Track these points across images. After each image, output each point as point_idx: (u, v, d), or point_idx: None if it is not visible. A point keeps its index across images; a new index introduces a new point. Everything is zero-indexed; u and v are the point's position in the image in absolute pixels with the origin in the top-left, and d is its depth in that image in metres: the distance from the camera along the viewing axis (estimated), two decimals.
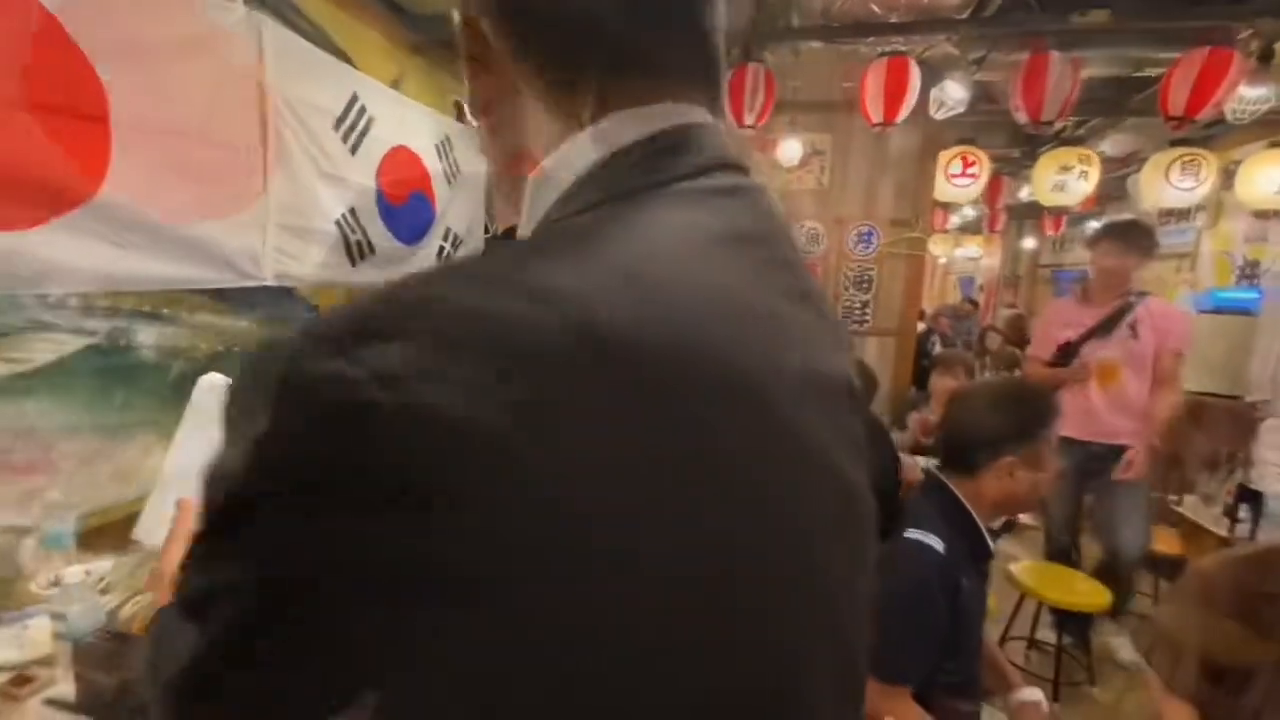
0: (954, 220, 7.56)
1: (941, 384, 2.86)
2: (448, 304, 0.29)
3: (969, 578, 1.19)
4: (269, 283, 2.25)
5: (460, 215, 3.39)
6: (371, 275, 2.78)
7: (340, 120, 2.51)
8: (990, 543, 1.23)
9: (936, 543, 1.16)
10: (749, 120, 2.69)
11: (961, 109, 2.58)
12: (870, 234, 3.89)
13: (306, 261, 2.41)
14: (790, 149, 3.10)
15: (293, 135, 2.28)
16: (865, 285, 3.93)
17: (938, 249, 9.34)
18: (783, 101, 3.13)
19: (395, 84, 2.90)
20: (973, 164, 3.75)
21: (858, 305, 3.95)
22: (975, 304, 8.29)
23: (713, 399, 0.32)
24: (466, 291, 0.30)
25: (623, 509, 0.30)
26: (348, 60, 2.57)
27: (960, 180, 3.80)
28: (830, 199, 3.94)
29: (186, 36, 1.84)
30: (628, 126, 0.36)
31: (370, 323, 0.28)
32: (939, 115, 2.62)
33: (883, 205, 3.89)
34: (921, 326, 8.61)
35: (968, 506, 1.22)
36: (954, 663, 1.20)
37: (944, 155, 3.81)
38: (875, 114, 2.53)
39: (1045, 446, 1.21)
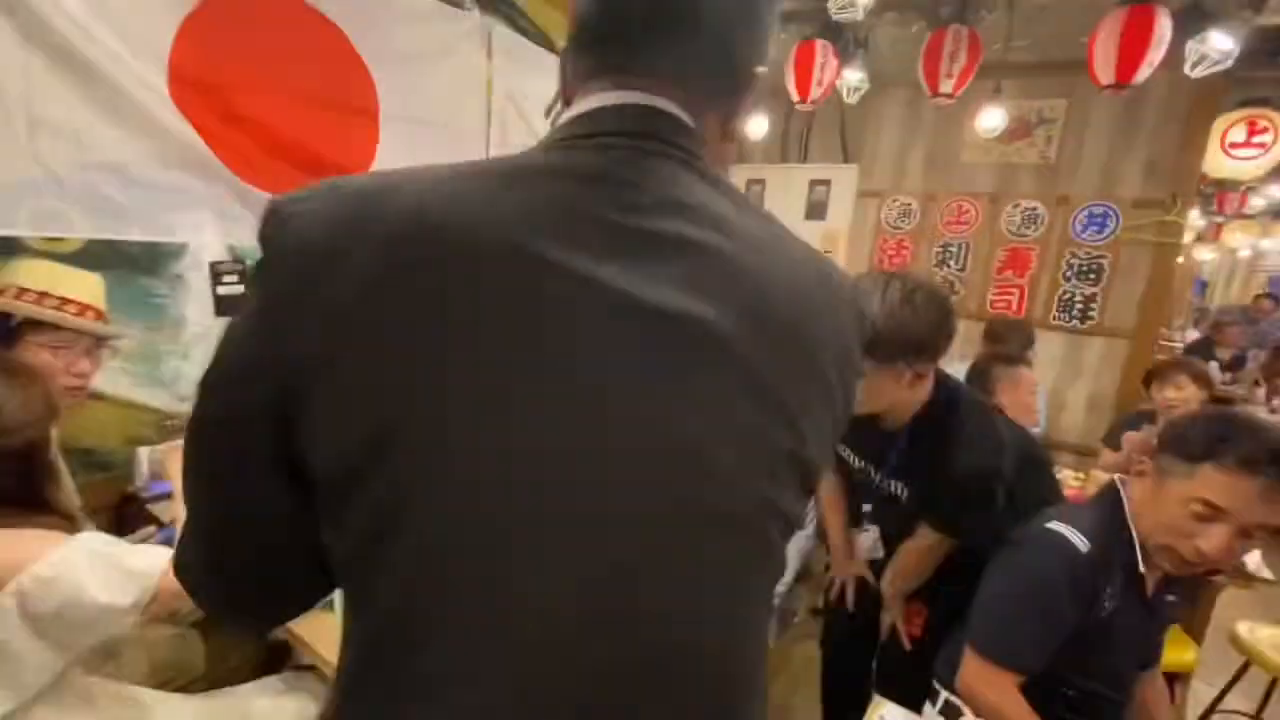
0: (1256, 203, 6.03)
1: (1162, 397, 2.40)
2: (342, 187, 0.43)
3: (1117, 593, 1.09)
4: None
5: None
6: None
7: (551, 109, 2.87)
8: (1140, 563, 1.09)
9: (1079, 541, 1.09)
10: (945, 88, 2.50)
11: (1229, 63, 2.10)
12: (1106, 216, 3.33)
13: None
14: (990, 118, 2.78)
15: (512, 124, 2.69)
16: (1093, 276, 3.38)
17: (1238, 239, 7.51)
18: (1003, 63, 2.83)
19: None
20: (1263, 130, 2.99)
21: (1080, 299, 3.42)
22: (1277, 300, 6.49)
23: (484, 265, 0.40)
24: (364, 182, 0.43)
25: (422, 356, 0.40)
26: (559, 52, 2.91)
27: (1244, 151, 3.06)
28: (1056, 175, 3.44)
29: (434, 42, 2.29)
30: (583, 102, 0.48)
31: (302, 190, 0.43)
32: (1195, 73, 2.16)
33: (1126, 183, 3.29)
34: (1194, 334, 7.03)
35: (1129, 521, 1.11)
36: (1080, 678, 1.11)
37: (1221, 120, 3.10)
38: (1104, 75, 2.18)
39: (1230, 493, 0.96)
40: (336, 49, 2.00)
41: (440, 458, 0.40)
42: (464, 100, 2.47)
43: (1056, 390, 3.54)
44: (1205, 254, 8.54)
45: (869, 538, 1.47)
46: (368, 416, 0.40)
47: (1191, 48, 2.14)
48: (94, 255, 1.61)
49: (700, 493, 0.43)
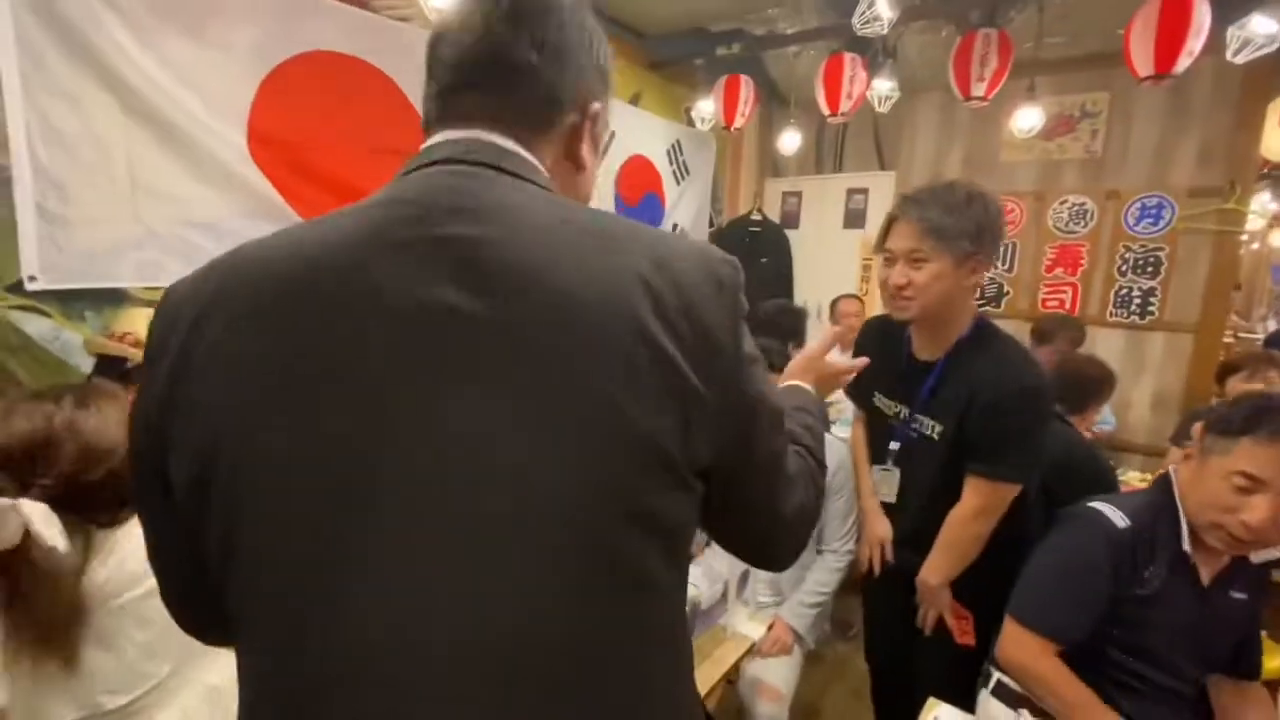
0: None
1: (1238, 389, 2.30)
2: (213, 263, 0.50)
3: (1162, 574, 1.10)
4: None
5: (687, 210, 3.73)
6: None
7: None
8: (1185, 542, 1.10)
9: (1118, 517, 1.13)
10: (978, 91, 2.50)
11: (1273, 47, 2.04)
12: (1160, 208, 3.22)
13: None
14: (1026, 118, 2.75)
15: None
16: (1150, 270, 3.27)
17: None
18: (1037, 61, 2.81)
19: (635, 99, 3.33)
20: None
21: (1138, 293, 3.31)
22: None
23: (315, 310, 0.45)
24: (233, 253, 0.50)
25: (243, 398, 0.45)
26: None
27: None
28: (1104, 168, 3.35)
29: None
30: (427, 141, 0.57)
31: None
32: (1239, 58, 2.11)
33: (1179, 172, 3.18)
34: (1275, 324, 6.59)
35: (1177, 499, 1.12)
36: (1121, 655, 1.11)
37: (1277, 102, 2.97)
38: (1143, 66, 2.15)
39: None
40: (392, 101, 2.17)
41: (252, 485, 0.45)
42: None
43: (1120, 389, 3.40)
44: None
45: (890, 477, 1.47)
46: (195, 458, 0.46)
47: (1233, 33, 2.10)
48: None
49: (486, 495, 0.44)
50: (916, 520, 1.44)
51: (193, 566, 0.50)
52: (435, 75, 0.57)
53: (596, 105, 0.59)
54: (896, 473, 1.45)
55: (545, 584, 0.44)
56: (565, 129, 0.58)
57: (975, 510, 1.33)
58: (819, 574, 1.80)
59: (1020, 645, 1.13)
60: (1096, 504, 1.17)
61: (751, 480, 0.55)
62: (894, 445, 1.46)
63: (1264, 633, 1.97)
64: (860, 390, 1.58)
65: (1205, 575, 1.12)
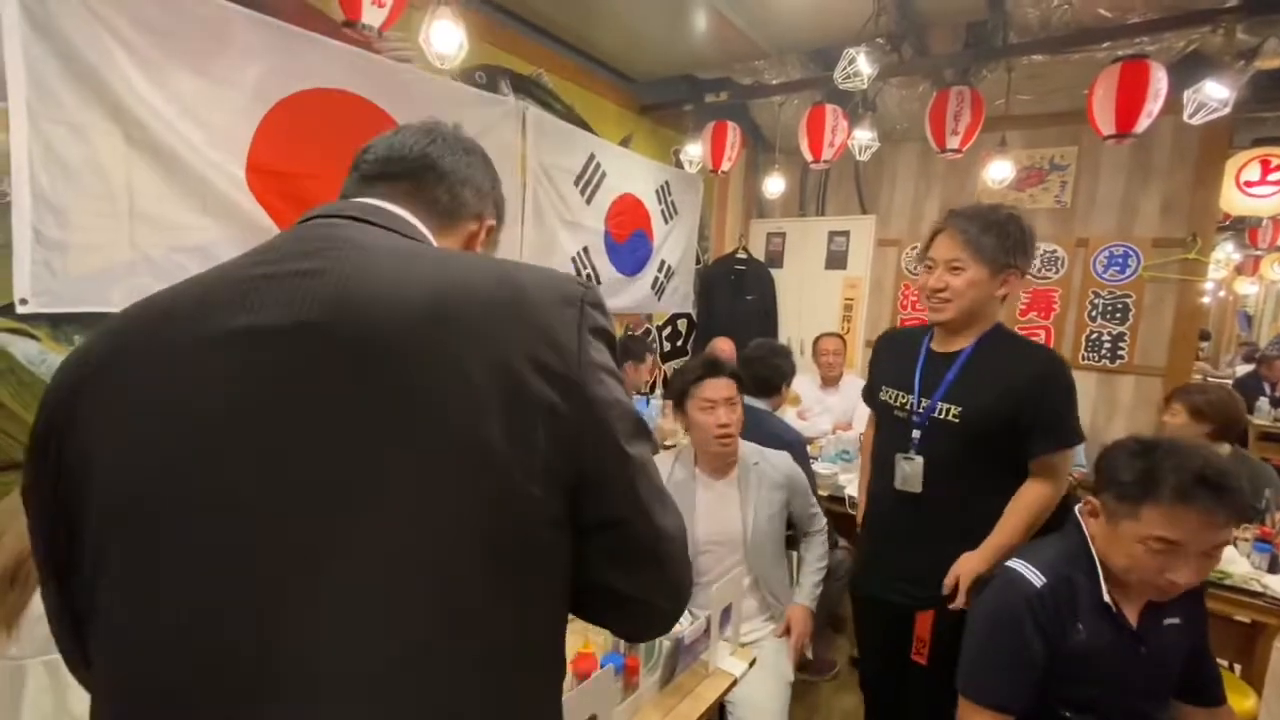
0: None
1: (1161, 420, 2.36)
2: (107, 319, 0.53)
3: (1089, 625, 1.10)
4: None
5: (674, 248, 3.82)
6: None
7: (579, 177, 3.09)
8: (1105, 594, 1.10)
9: (1034, 576, 1.12)
10: (952, 144, 2.63)
11: (1226, 110, 2.18)
12: (1126, 256, 3.36)
13: None
14: (998, 170, 2.89)
15: (544, 192, 2.90)
16: (1120, 315, 3.40)
17: (1277, 271, 7.33)
18: (1008, 117, 2.97)
19: (625, 141, 3.44)
20: (1277, 168, 3.03)
21: (1108, 338, 3.43)
22: None
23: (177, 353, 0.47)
24: (125, 311, 0.53)
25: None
26: (588, 128, 3.15)
27: (1259, 189, 3.09)
28: (1073, 218, 3.50)
29: (474, 125, 2.52)
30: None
31: None
32: (1195, 120, 2.25)
33: (1144, 223, 3.34)
34: (1245, 368, 6.80)
35: (1094, 553, 1.13)
36: (1075, 712, 1.12)
37: (1235, 159, 3.15)
38: (1105, 126, 2.28)
39: (1161, 514, 1.00)
40: (380, 128, 2.23)
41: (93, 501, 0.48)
42: (501, 173, 2.65)
43: (1094, 430, 3.51)
44: (1248, 287, 8.34)
45: (914, 466, 1.50)
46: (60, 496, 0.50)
47: (1189, 97, 2.24)
48: None
49: (315, 518, 0.44)
50: (939, 513, 1.49)
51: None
52: (358, 168, 0.66)
53: (491, 222, 0.72)
54: (920, 460, 1.49)
55: (414, 608, 0.44)
56: (465, 232, 0.69)
57: (1055, 490, 1.42)
58: (812, 552, 1.89)
59: (969, 717, 1.14)
60: (1013, 564, 1.17)
61: (617, 489, 0.53)
62: (915, 434, 1.51)
63: (1235, 670, 2.02)
64: (871, 389, 1.71)
65: (1131, 615, 1.12)
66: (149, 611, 0.45)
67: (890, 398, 1.59)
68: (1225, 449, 2.21)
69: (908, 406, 1.53)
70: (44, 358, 1.63)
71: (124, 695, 0.47)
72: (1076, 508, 1.20)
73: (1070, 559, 1.14)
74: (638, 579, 0.56)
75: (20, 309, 1.54)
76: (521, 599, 0.49)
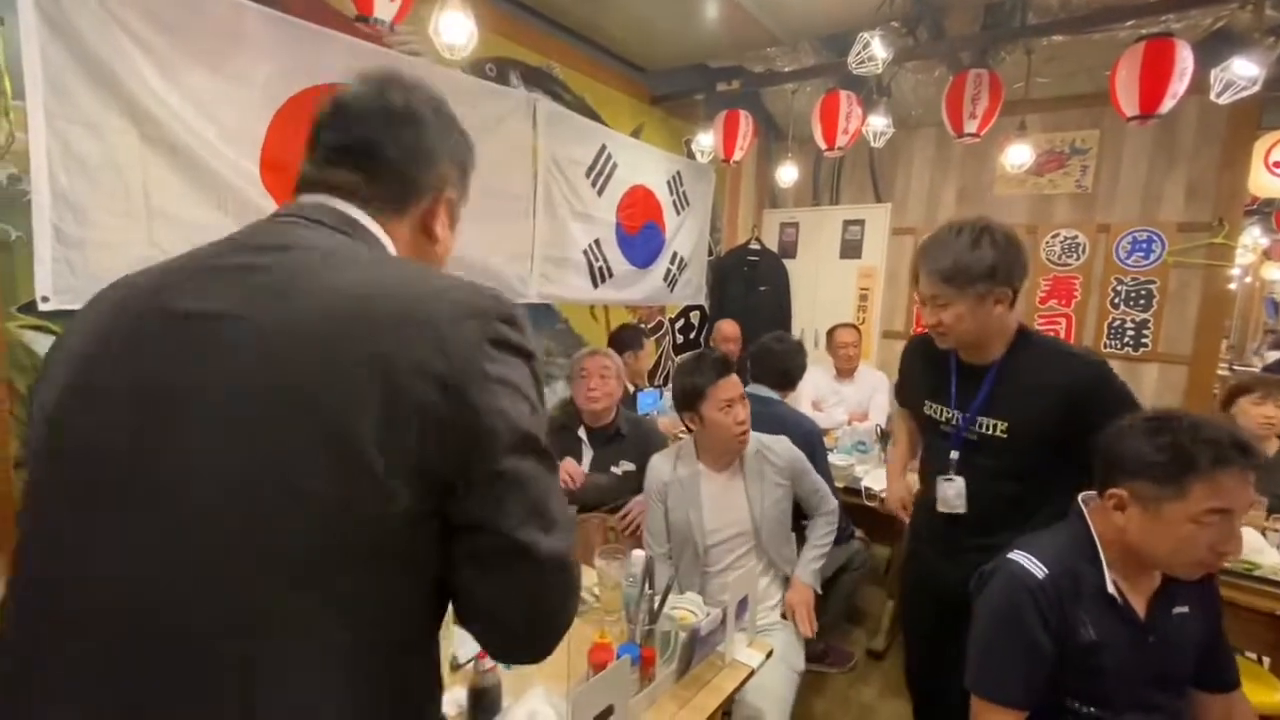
0: None
1: (1260, 414, 2.26)
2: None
3: (1095, 619, 1.08)
4: (534, 301, 2.87)
5: (686, 239, 3.79)
6: (609, 294, 3.31)
7: (591, 169, 3.08)
8: (1109, 585, 1.08)
9: (1035, 568, 1.10)
10: (970, 128, 2.58)
11: (1255, 89, 2.12)
12: (1150, 241, 3.29)
13: (561, 284, 3.01)
14: (1018, 154, 2.83)
15: (555, 184, 2.89)
16: (1143, 302, 3.33)
17: None
18: (1027, 100, 2.90)
19: (636, 132, 3.42)
20: None
21: (1131, 325, 3.36)
22: None
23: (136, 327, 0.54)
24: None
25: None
26: (599, 119, 3.14)
27: None
28: (1094, 203, 3.43)
29: (486, 118, 2.52)
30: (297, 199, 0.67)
31: None
32: (1223, 99, 2.18)
33: (1168, 207, 3.26)
34: (1273, 355, 6.63)
35: (1097, 543, 1.10)
36: (1087, 706, 1.09)
37: (1263, 140, 3.06)
38: (1129, 107, 2.23)
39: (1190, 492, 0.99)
40: None
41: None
42: (513, 167, 2.69)
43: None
44: (1276, 273, 8.12)
45: (953, 488, 1.47)
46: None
47: (1216, 75, 2.18)
48: None
49: (199, 488, 0.49)
50: (982, 525, 1.45)
51: None
52: (315, 151, 0.68)
53: (451, 194, 0.72)
54: (960, 481, 1.47)
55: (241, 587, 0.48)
56: (418, 213, 0.69)
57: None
58: (815, 532, 1.86)
59: (983, 715, 1.11)
60: (1014, 554, 1.14)
61: (481, 495, 0.53)
62: (954, 455, 1.48)
63: (1264, 662, 1.97)
64: (910, 400, 1.69)
65: (1139, 606, 1.10)
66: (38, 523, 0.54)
67: (935, 413, 1.55)
68: None
69: (952, 421, 1.50)
70: None
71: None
72: (1081, 497, 1.17)
73: (1073, 549, 1.12)
74: (492, 589, 0.56)
75: (42, 306, 1.56)
76: (362, 580, 0.50)
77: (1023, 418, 1.39)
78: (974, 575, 1.23)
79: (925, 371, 1.59)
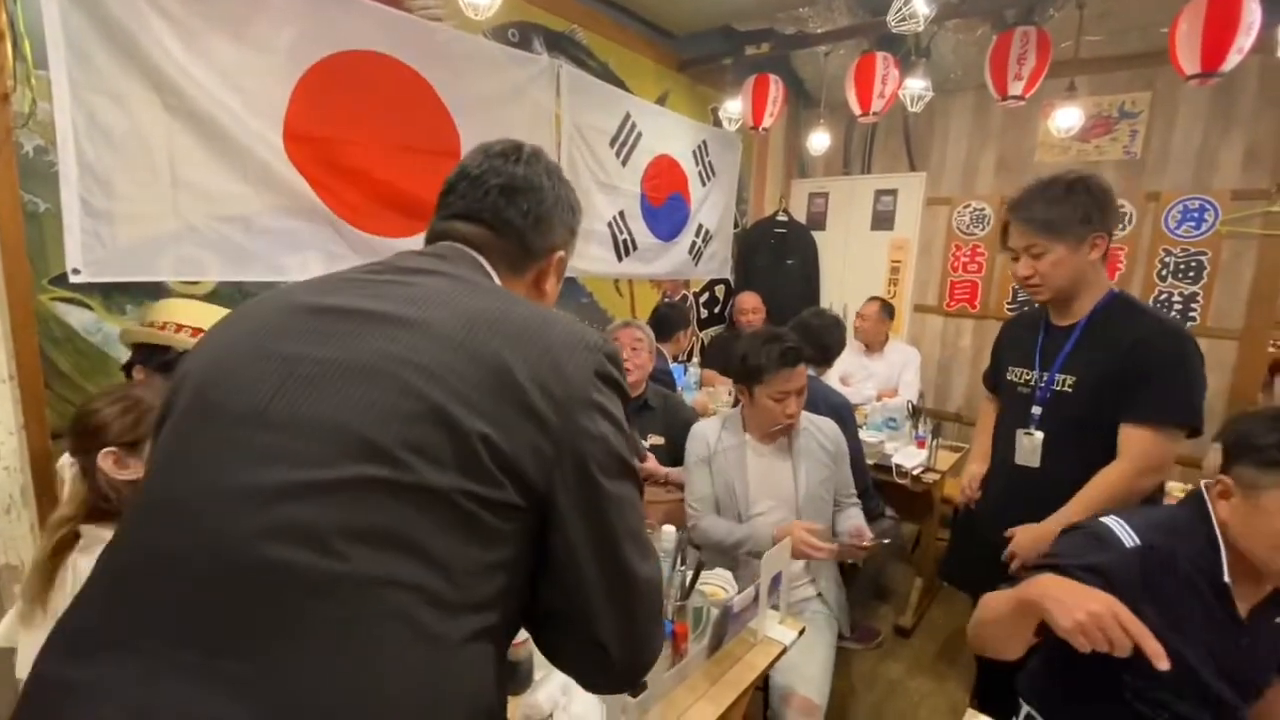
0: None
1: None
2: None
3: (1187, 600, 1.01)
4: None
5: (712, 211, 3.71)
6: (634, 268, 3.26)
7: (615, 138, 3.01)
8: (1225, 573, 1.00)
9: (1126, 535, 1.03)
10: (1015, 90, 2.45)
11: None
12: (1202, 210, 3.13)
13: (585, 257, 2.97)
14: (1066, 117, 2.68)
15: (579, 153, 2.83)
16: (1193, 275, 3.17)
17: None
18: (1076, 60, 2.75)
19: (661, 99, 3.33)
20: None
21: (1179, 299, 3.21)
22: None
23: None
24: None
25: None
26: (624, 86, 3.05)
27: None
28: (1143, 170, 3.26)
29: (508, 85, 2.46)
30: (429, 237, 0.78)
31: None
32: None
33: (1223, 174, 3.08)
34: None
35: (1216, 529, 1.02)
36: (1142, 681, 1.04)
37: None
38: (1189, 64, 2.08)
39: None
40: (424, 99, 2.19)
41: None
42: (536, 135, 2.63)
43: None
44: None
45: (1032, 441, 1.50)
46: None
47: None
48: (223, 295, 1.83)
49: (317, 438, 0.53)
50: (1056, 490, 1.45)
51: None
52: (444, 210, 0.76)
53: (561, 254, 0.80)
54: (1039, 436, 1.50)
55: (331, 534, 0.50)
56: (533, 273, 0.78)
57: (1135, 474, 1.35)
58: (842, 526, 1.76)
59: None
60: (1107, 519, 1.08)
61: (581, 511, 0.58)
62: (1036, 410, 1.51)
63: None
64: (995, 375, 1.72)
65: (1243, 607, 1.03)
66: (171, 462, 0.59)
67: (1016, 376, 1.59)
68: None
69: (1031, 382, 1.53)
70: (99, 327, 1.66)
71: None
72: (1204, 482, 1.08)
73: (1185, 532, 1.04)
74: (575, 603, 0.60)
75: (73, 279, 1.57)
76: (436, 534, 0.52)
77: (1089, 372, 1.41)
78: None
79: (1013, 343, 1.64)
